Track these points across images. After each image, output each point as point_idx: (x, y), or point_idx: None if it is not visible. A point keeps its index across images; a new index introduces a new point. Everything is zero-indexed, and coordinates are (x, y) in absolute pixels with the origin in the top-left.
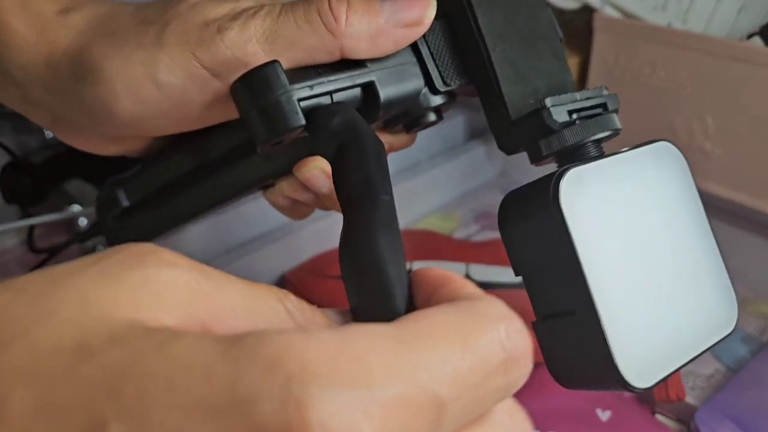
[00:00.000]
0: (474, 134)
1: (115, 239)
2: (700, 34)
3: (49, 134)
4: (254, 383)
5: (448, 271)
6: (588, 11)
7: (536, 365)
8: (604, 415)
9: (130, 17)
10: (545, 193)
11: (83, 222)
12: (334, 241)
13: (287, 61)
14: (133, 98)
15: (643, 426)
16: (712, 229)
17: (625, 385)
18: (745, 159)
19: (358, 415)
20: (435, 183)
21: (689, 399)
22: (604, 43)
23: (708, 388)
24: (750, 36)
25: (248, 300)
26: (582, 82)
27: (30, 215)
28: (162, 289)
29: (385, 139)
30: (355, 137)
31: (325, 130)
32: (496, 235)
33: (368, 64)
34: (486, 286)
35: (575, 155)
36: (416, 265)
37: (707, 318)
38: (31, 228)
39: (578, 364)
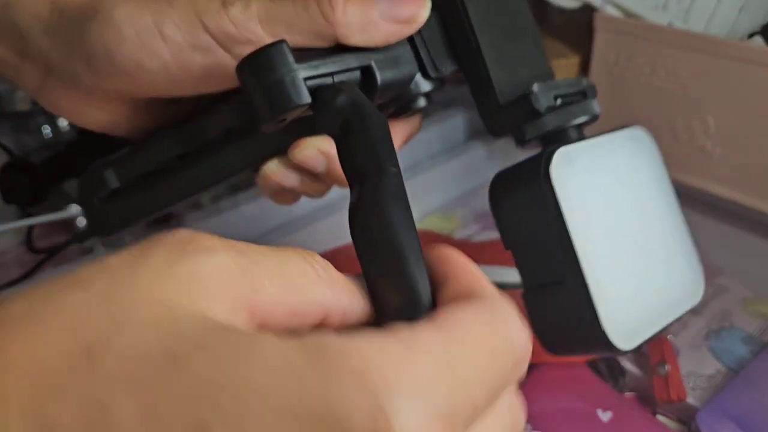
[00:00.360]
0: (474, 134)
1: (100, 222)
2: (700, 33)
3: (48, 134)
4: (345, 396)
5: (463, 256)
6: (589, 10)
7: (536, 366)
8: (605, 416)
9: None
10: (536, 170)
11: (82, 222)
12: (334, 241)
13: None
14: (137, 44)
15: (644, 426)
16: (681, 209)
17: (611, 348)
18: (745, 159)
19: (431, 421)
20: (435, 183)
21: (690, 399)
22: (604, 42)
23: (709, 388)
24: (751, 35)
25: (280, 265)
26: None
27: (29, 215)
28: (208, 279)
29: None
30: (360, 114)
31: (330, 107)
32: (496, 235)
33: (365, 49)
34: None
35: (558, 138)
36: None
37: (679, 289)
38: (30, 228)
39: (567, 330)
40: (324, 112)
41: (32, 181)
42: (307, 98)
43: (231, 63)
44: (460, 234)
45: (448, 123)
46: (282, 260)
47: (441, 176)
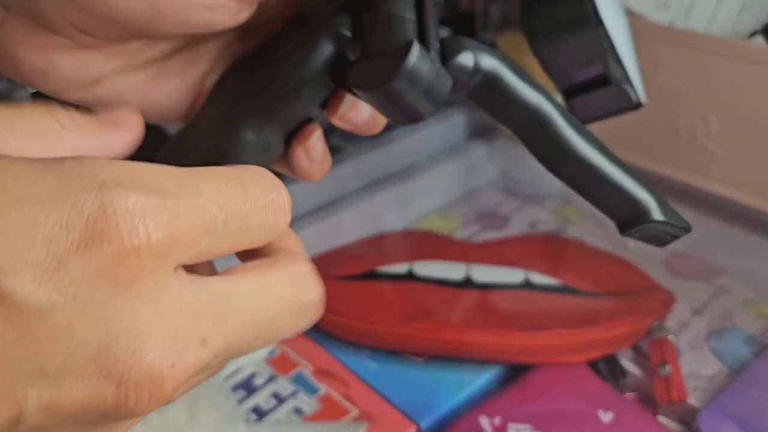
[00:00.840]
0: (475, 134)
1: None
2: (702, 33)
3: None
4: (76, 183)
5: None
6: None
7: (537, 366)
8: (606, 417)
9: None
10: None
11: None
12: (334, 241)
13: None
14: None
15: (645, 427)
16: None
17: (638, 104)
18: (747, 159)
19: (156, 208)
20: (435, 183)
21: (691, 400)
22: None
23: (710, 389)
24: (752, 35)
25: (24, 123)
26: None
27: None
28: None
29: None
30: (500, 61)
31: (466, 69)
32: (496, 235)
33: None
34: (487, 287)
35: None
36: (416, 265)
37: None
38: None
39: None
40: (462, 73)
41: None
42: (450, 83)
43: None
44: (460, 234)
45: (448, 123)
46: (25, 118)
47: (441, 176)
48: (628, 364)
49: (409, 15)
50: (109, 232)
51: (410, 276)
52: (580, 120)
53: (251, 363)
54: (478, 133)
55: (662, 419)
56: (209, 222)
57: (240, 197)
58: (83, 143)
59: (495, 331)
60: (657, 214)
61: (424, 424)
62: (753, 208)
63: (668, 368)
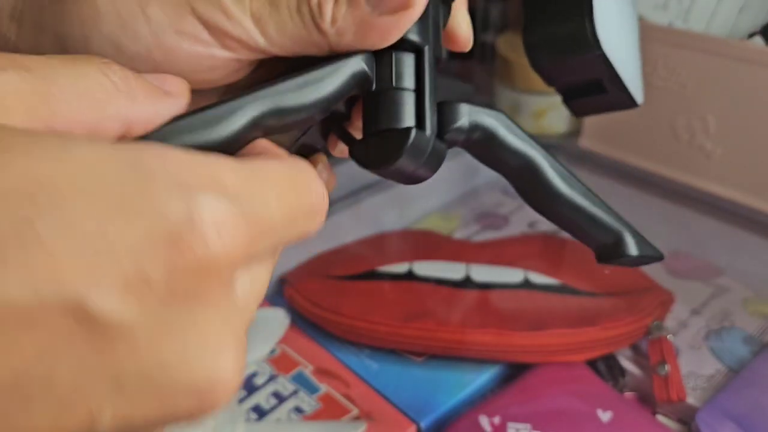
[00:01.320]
0: None
1: None
2: (701, 33)
3: None
4: (161, 188)
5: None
6: None
7: (536, 365)
8: (605, 416)
9: None
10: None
11: None
12: (334, 241)
13: (279, 47)
14: (118, 24)
15: (644, 427)
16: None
17: (635, 105)
18: (746, 159)
19: (238, 219)
20: (435, 183)
21: (690, 399)
22: None
23: (709, 388)
24: (751, 35)
25: (75, 81)
26: None
27: None
28: None
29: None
30: (496, 121)
31: (462, 135)
32: (496, 235)
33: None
34: (486, 286)
35: None
36: (416, 265)
37: (639, 82)
38: None
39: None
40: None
41: None
42: (446, 150)
43: (220, 54)
44: (460, 234)
45: None
46: (77, 75)
47: (441, 176)
48: (627, 364)
49: (409, 84)
50: (193, 245)
51: (410, 276)
52: (577, 115)
53: (252, 362)
54: None
55: (661, 418)
56: (273, 230)
57: (295, 202)
58: (129, 109)
59: (494, 331)
60: (632, 249)
61: (423, 424)
62: (751, 208)
63: (667, 368)
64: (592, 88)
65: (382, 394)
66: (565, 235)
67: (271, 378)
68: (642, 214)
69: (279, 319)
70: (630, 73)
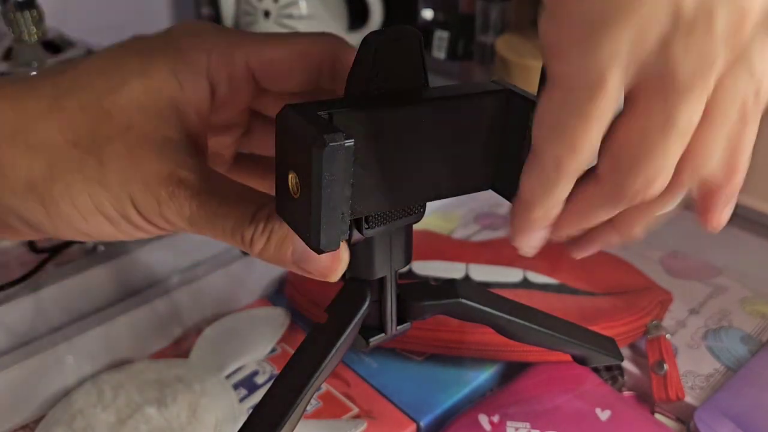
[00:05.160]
0: None
1: None
2: None
3: None
4: None
5: None
6: None
7: (535, 364)
8: (604, 415)
9: (49, 128)
10: None
11: None
12: None
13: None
14: (77, 217)
15: (643, 425)
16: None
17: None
18: None
19: None
20: None
21: (688, 398)
22: None
23: (707, 387)
24: None
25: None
26: None
27: None
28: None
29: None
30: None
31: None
32: (496, 235)
33: None
34: (486, 286)
35: None
36: (416, 265)
37: None
38: None
39: None
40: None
41: None
42: None
43: (167, 229)
44: (459, 234)
45: None
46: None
47: None
48: (625, 363)
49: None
50: None
51: (410, 275)
52: None
53: (252, 361)
54: None
55: (660, 417)
56: None
57: None
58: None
59: (494, 330)
60: (592, 362)
61: (423, 422)
62: (750, 209)
63: (666, 367)
64: None
65: (382, 393)
66: None
67: (272, 377)
68: None
69: (279, 318)
70: None
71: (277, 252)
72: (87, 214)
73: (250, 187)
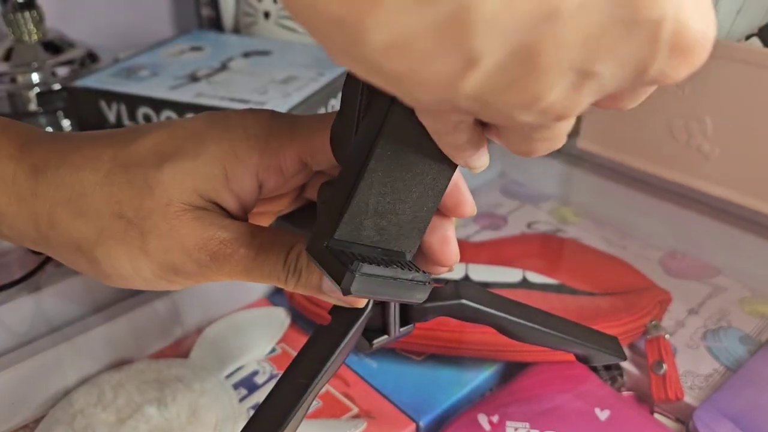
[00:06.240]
0: None
1: None
2: None
3: None
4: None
5: None
6: None
7: (534, 364)
8: (603, 415)
9: (100, 198)
10: None
11: None
12: None
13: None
14: (121, 276)
15: (642, 425)
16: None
17: None
18: (743, 160)
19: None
20: None
21: (687, 398)
22: None
23: (706, 387)
24: (748, 37)
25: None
26: None
27: None
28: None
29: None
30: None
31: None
32: (496, 235)
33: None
34: (486, 286)
35: None
36: None
37: None
38: None
39: None
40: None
41: None
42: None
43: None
44: (459, 234)
45: None
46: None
47: None
48: (625, 363)
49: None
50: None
51: None
52: None
53: (253, 361)
54: None
55: (659, 417)
56: None
57: None
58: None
59: (493, 330)
60: (595, 361)
61: (423, 422)
62: (748, 208)
63: (665, 367)
64: None
65: (381, 393)
66: (564, 234)
67: (272, 377)
68: (640, 215)
69: (279, 318)
70: None
71: (307, 287)
72: (126, 276)
73: (279, 230)
